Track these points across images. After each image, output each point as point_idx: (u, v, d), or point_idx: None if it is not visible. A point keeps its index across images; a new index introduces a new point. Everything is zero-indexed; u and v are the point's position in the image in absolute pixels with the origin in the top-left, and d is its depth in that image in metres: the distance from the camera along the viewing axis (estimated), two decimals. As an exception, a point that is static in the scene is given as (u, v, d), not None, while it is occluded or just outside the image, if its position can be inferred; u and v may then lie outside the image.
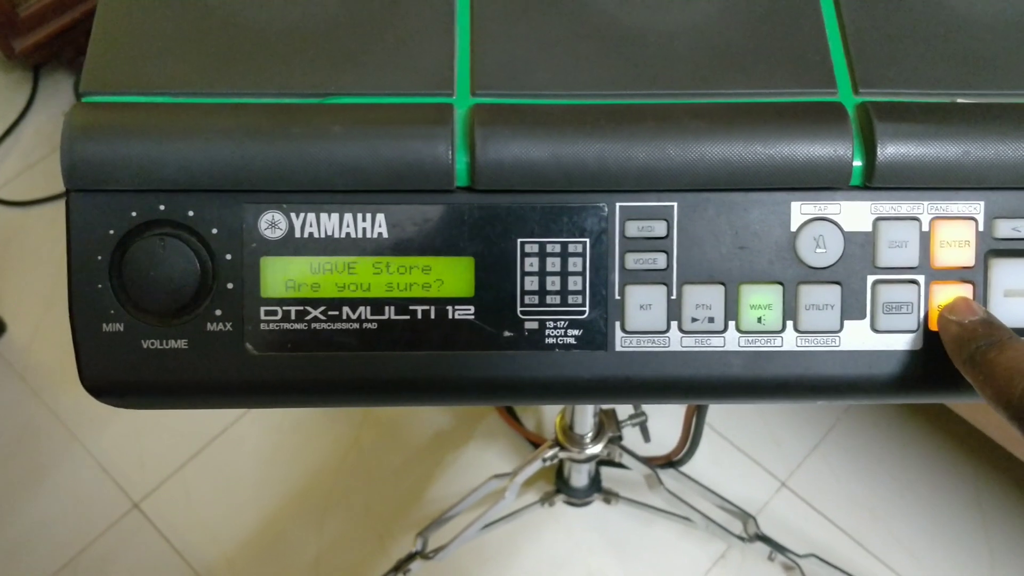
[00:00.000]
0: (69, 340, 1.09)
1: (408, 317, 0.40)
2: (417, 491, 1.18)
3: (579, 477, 1.09)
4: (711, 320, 0.40)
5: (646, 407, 1.02)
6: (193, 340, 0.40)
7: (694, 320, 0.40)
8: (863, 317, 0.41)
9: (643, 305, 0.40)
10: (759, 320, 0.40)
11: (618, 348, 0.40)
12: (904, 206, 0.40)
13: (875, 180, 0.39)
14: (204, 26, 0.41)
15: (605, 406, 0.90)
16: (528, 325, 0.40)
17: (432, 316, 0.40)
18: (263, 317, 0.40)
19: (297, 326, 0.40)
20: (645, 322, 0.40)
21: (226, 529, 1.14)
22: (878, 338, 0.41)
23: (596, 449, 0.98)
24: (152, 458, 1.19)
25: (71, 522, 1.15)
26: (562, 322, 0.40)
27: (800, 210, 0.40)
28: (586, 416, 0.96)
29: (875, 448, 1.18)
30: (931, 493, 1.15)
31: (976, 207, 0.40)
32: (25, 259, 1.34)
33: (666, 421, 1.11)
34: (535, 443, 1.15)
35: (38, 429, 1.21)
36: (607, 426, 0.99)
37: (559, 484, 1.11)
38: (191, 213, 0.39)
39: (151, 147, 0.38)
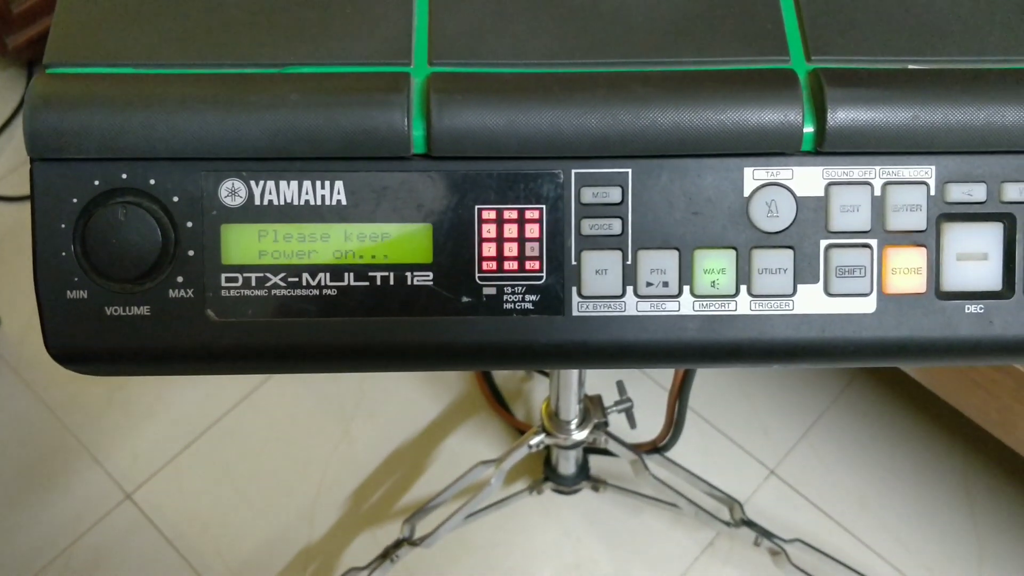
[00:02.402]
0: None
1: (367, 283, 0.41)
2: (407, 481, 1.18)
3: (566, 465, 1.10)
4: (666, 285, 0.41)
5: (631, 393, 1.02)
6: (155, 307, 0.40)
7: (649, 285, 0.41)
8: (816, 281, 0.41)
9: (599, 270, 0.41)
10: (713, 284, 0.41)
11: (575, 313, 0.41)
12: (856, 171, 0.41)
13: (826, 145, 0.40)
14: (165, 0, 0.42)
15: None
16: (486, 291, 0.41)
17: (391, 282, 0.41)
18: (224, 284, 0.41)
19: (257, 293, 0.41)
20: (601, 287, 0.41)
21: (218, 519, 1.15)
22: (831, 302, 0.41)
23: (582, 435, 0.99)
24: (144, 450, 1.20)
25: (64, 513, 1.16)
26: (519, 287, 0.41)
27: (753, 176, 0.41)
28: (571, 402, 0.96)
29: (863, 436, 1.18)
30: (919, 481, 1.15)
31: (927, 172, 0.41)
32: (19, 254, 1.35)
33: (652, 409, 1.12)
34: (524, 432, 1.16)
35: (31, 422, 1.22)
36: (593, 412, 1.00)
37: (547, 472, 1.11)
38: (152, 181, 0.40)
39: (112, 116, 0.39)
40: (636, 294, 0.41)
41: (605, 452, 1.08)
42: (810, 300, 0.41)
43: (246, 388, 1.24)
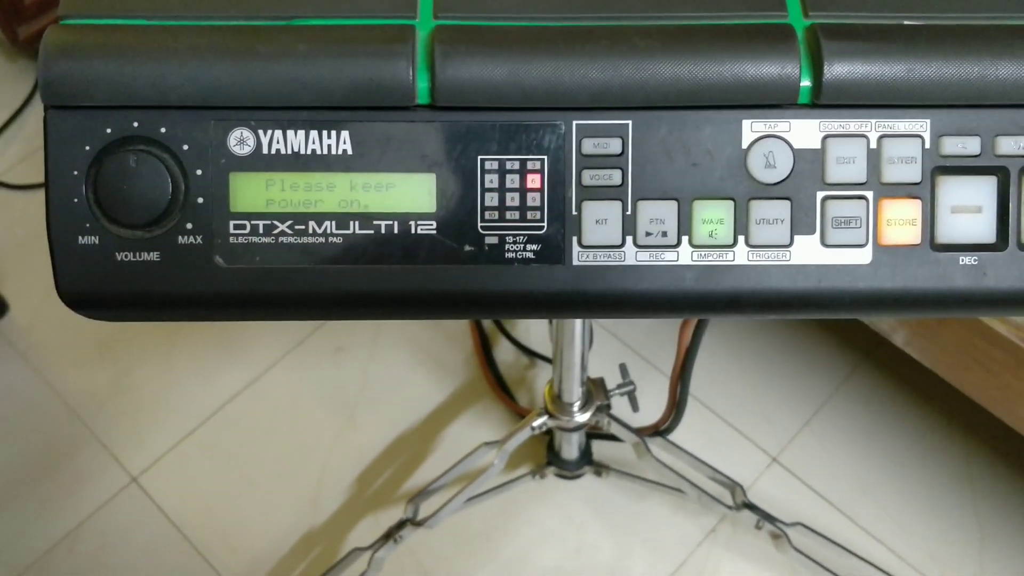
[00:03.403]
0: (70, 320, 1.11)
1: (371, 232, 0.42)
2: (410, 467, 1.19)
3: (569, 449, 1.10)
4: (664, 235, 0.42)
5: (634, 376, 1.03)
6: (165, 253, 0.41)
7: (648, 234, 0.42)
8: (813, 232, 0.42)
9: (599, 220, 0.42)
10: (711, 235, 0.42)
11: (575, 262, 0.42)
12: (852, 124, 0.42)
13: (823, 98, 0.41)
14: None
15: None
16: (488, 240, 0.42)
17: (395, 231, 0.42)
18: (232, 231, 0.41)
19: (264, 240, 0.42)
20: (601, 236, 0.42)
21: (222, 503, 1.16)
22: (828, 252, 0.42)
23: (584, 417, 0.99)
24: (150, 434, 1.21)
25: (70, 497, 1.17)
26: (521, 237, 0.42)
27: (751, 128, 0.42)
28: (574, 384, 0.97)
29: (866, 424, 1.19)
30: (922, 467, 1.15)
31: (922, 125, 0.42)
32: (28, 242, 1.36)
33: (654, 395, 1.12)
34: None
35: (39, 406, 1.23)
36: (595, 395, 1.00)
37: (550, 457, 1.12)
38: (163, 130, 0.41)
39: (124, 65, 0.40)
40: (636, 244, 0.42)
41: (608, 437, 1.09)
42: (807, 251, 0.42)
43: (252, 374, 1.25)
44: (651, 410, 1.06)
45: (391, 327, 1.28)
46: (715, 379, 1.22)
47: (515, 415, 1.21)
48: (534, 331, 1.28)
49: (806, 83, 0.41)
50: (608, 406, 1.01)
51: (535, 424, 1.00)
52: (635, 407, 1.03)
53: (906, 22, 0.42)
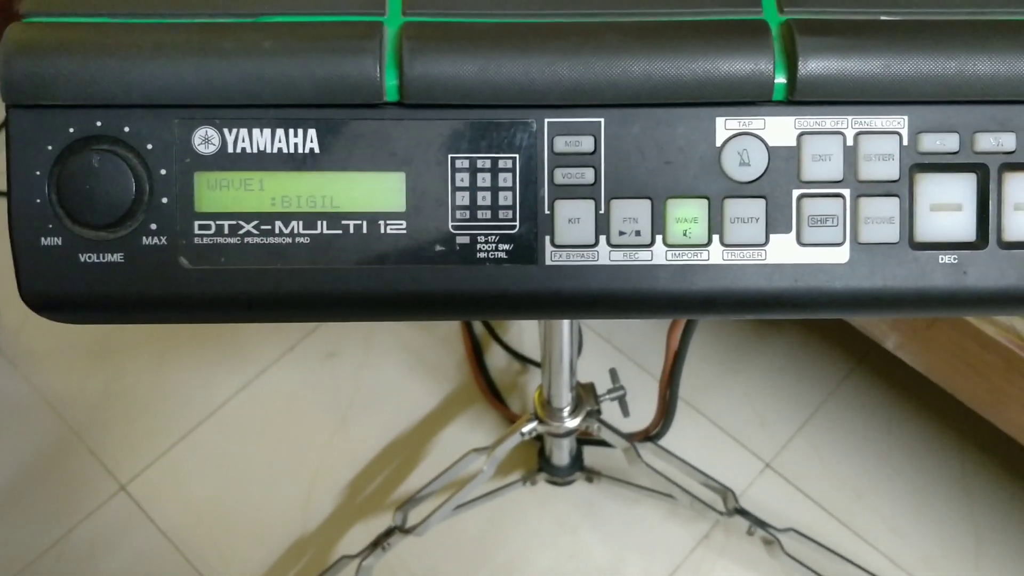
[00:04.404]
0: (59, 326, 1.11)
1: (340, 232, 0.41)
2: (402, 473, 1.18)
3: (560, 455, 1.09)
4: (638, 234, 0.41)
5: (624, 381, 1.02)
6: (129, 254, 0.41)
7: (622, 234, 0.41)
8: (789, 231, 0.41)
9: (572, 219, 0.41)
10: (685, 234, 0.41)
11: (548, 262, 0.41)
12: (828, 121, 0.41)
13: (798, 94, 0.40)
14: None
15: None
16: (460, 240, 0.41)
17: (364, 230, 0.41)
18: (196, 231, 0.41)
19: (230, 240, 0.41)
20: (574, 236, 0.41)
21: (212, 510, 1.15)
22: (804, 251, 0.41)
23: (574, 423, 0.99)
24: (140, 441, 1.20)
25: (58, 503, 1.16)
26: (493, 236, 0.41)
27: (725, 125, 0.41)
28: (564, 389, 0.96)
29: (860, 429, 1.18)
30: (917, 473, 1.14)
31: (900, 122, 0.41)
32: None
33: (644, 400, 1.12)
34: (519, 424, 1.16)
35: (27, 412, 1.22)
36: (585, 400, 1.00)
37: (541, 463, 1.11)
38: (127, 129, 0.40)
39: (87, 62, 0.39)
40: (609, 243, 0.41)
41: (599, 442, 1.08)
42: (783, 250, 0.41)
43: (243, 379, 1.24)
44: (642, 415, 1.06)
45: (383, 332, 1.28)
46: (708, 384, 1.21)
47: (507, 421, 1.20)
48: (526, 337, 1.28)
49: (780, 79, 0.40)
50: (598, 411, 1.00)
51: (525, 430, 0.99)
52: (625, 412, 1.03)
53: (883, 17, 0.41)
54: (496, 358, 1.26)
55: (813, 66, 0.40)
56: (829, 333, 1.25)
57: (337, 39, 0.39)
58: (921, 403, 1.18)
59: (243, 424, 1.21)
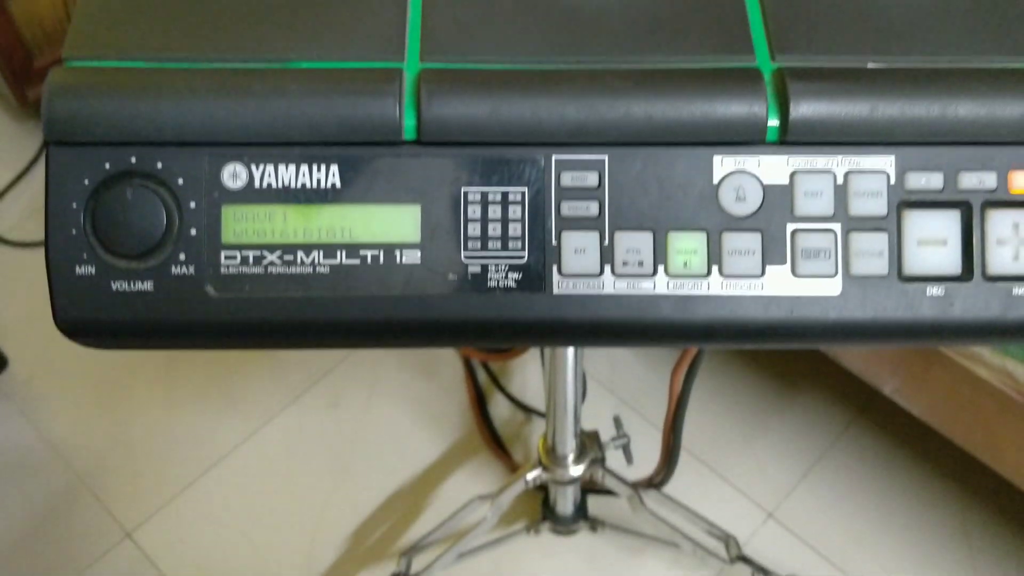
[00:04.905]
0: (69, 376, 1.12)
1: (358, 261, 0.43)
2: (405, 523, 1.19)
3: (564, 503, 1.10)
4: (641, 264, 0.43)
5: (627, 430, 1.04)
6: (159, 283, 0.43)
7: (625, 264, 0.43)
8: (784, 263, 0.43)
9: (578, 250, 0.43)
10: (685, 265, 0.43)
11: (555, 291, 0.43)
12: (819, 160, 0.43)
13: (790, 136, 0.43)
14: (175, 3, 0.45)
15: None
16: (471, 269, 0.43)
17: (381, 260, 0.43)
18: (223, 261, 0.43)
19: (255, 270, 0.43)
20: (580, 265, 0.43)
21: (217, 559, 1.16)
22: (799, 283, 0.43)
23: (579, 470, 1.00)
24: (146, 488, 1.21)
25: (65, 550, 1.17)
26: (503, 266, 0.43)
27: (721, 164, 0.43)
28: (568, 437, 0.98)
29: (862, 478, 1.19)
30: (918, 522, 1.15)
31: (887, 161, 0.44)
32: (30, 298, 1.38)
33: (649, 449, 1.13)
34: (522, 472, 1.17)
35: (34, 460, 1.24)
36: (590, 447, 1.01)
37: (545, 512, 1.12)
38: (160, 165, 0.43)
39: (124, 103, 0.42)
40: (613, 273, 0.43)
41: (603, 491, 1.09)
42: (778, 281, 0.43)
43: (248, 429, 1.25)
44: (645, 465, 1.07)
45: (386, 382, 1.29)
46: (711, 434, 1.23)
47: (511, 471, 1.21)
48: (530, 386, 1.29)
49: (773, 122, 0.43)
50: (602, 459, 1.01)
51: (529, 477, 1.00)
52: (629, 459, 1.04)
53: (869, 65, 0.44)
54: (500, 408, 1.28)
55: (803, 110, 0.42)
56: (830, 382, 1.26)
57: (360, 83, 0.42)
58: (921, 452, 1.19)
59: (248, 473, 1.22)
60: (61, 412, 1.28)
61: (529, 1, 0.46)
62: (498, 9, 0.46)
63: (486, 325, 0.43)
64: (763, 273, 0.43)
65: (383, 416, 1.26)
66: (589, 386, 1.27)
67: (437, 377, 1.29)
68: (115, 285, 0.43)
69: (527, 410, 1.27)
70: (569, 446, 0.98)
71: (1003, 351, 0.76)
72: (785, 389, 1.27)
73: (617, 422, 1.04)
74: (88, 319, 0.43)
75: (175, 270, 0.43)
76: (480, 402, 1.26)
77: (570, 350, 0.82)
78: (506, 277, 0.43)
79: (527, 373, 1.30)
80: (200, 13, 0.45)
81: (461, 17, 0.45)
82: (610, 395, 1.27)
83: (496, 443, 1.23)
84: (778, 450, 1.22)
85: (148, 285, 0.43)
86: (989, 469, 0.91)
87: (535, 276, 0.43)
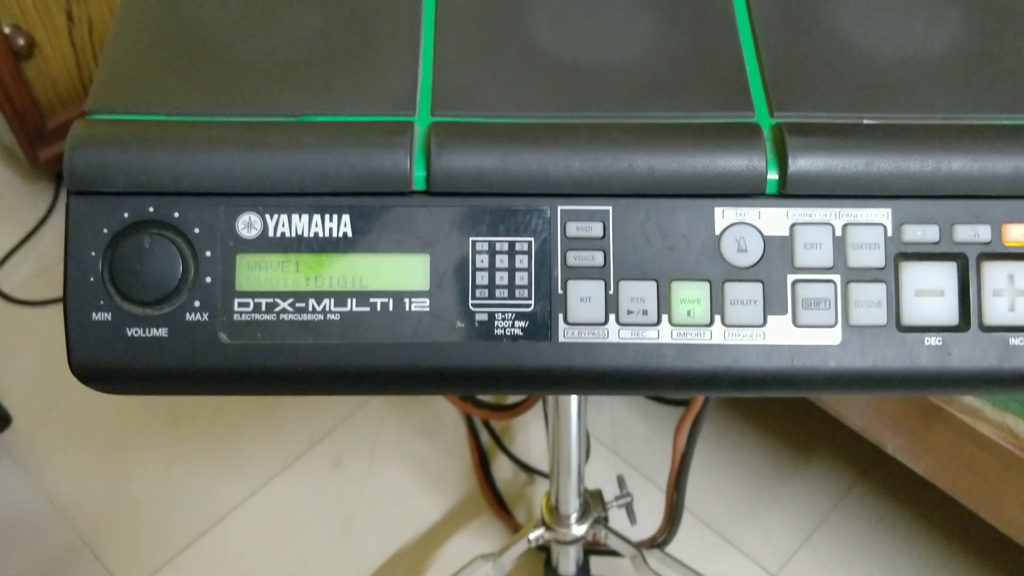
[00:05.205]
0: (71, 434, 1.13)
1: (368, 309, 0.44)
2: (407, 583, 1.18)
3: (567, 564, 1.09)
4: (645, 313, 0.44)
5: (632, 487, 1.03)
6: (173, 329, 0.44)
7: (630, 312, 0.44)
8: (785, 312, 0.44)
9: (583, 298, 0.44)
10: (689, 314, 0.44)
11: (561, 339, 0.44)
12: (817, 213, 0.45)
13: (789, 189, 0.44)
14: (195, 59, 0.47)
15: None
16: (479, 317, 0.44)
17: (390, 308, 0.44)
18: (236, 308, 0.44)
19: (267, 317, 0.44)
20: (586, 314, 0.44)
21: (215, 620, 1.15)
22: (800, 332, 0.44)
23: (582, 529, 0.99)
24: (146, 547, 1.20)
25: (61, 611, 1.16)
26: (510, 314, 0.44)
27: (723, 216, 0.45)
28: (571, 496, 0.98)
29: (866, 540, 1.18)
30: (922, 586, 1.14)
31: (884, 214, 0.45)
32: (35, 356, 1.39)
33: (653, 510, 1.13)
34: (525, 533, 1.16)
35: (35, 518, 1.23)
36: (593, 506, 1.01)
37: (547, 572, 1.11)
38: (176, 214, 0.44)
39: (143, 155, 0.43)
40: (618, 322, 0.44)
41: (606, 552, 1.08)
42: (780, 331, 0.44)
43: (250, 488, 1.25)
44: (648, 526, 1.06)
45: (389, 442, 1.29)
46: (714, 495, 1.22)
47: (514, 532, 1.20)
48: (533, 447, 1.29)
49: (773, 176, 0.44)
50: (606, 518, 1.01)
51: (532, 536, 1.00)
52: (632, 519, 1.03)
53: (866, 121, 0.46)
54: (503, 469, 1.27)
55: (802, 164, 0.44)
56: (832, 443, 1.26)
57: (373, 135, 0.44)
58: (925, 512, 1.19)
59: (249, 533, 1.21)
60: (63, 470, 1.27)
61: (536, 59, 0.48)
62: (507, 66, 0.47)
63: (493, 373, 0.44)
64: (765, 323, 0.44)
65: (385, 476, 1.26)
66: (593, 446, 1.27)
67: (440, 437, 1.29)
68: (130, 331, 0.44)
69: (530, 471, 1.26)
70: (572, 505, 0.98)
71: (1003, 407, 0.77)
72: (789, 450, 1.27)
73: (620, 481, 1.04)
74: (103, 365, 0.44)
75: (189, 317, 0.44)
76: (483, 462, 1.26)
77: (574, 407, 0.83)
78: (513, 325, 0.44)
79: (530, 433, 1.30)
80: (218, 70, 0.47)
81: (471, 74, 0.47)
82: (613, 455, 1.27)
83: (499, 504, 1.23)
84: (782, 511, 1.21)
85: (163, 331, 0.44)
86: (993, 528, 0.91)
87: (541, 324, 0.44)
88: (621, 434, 1.29)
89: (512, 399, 1.21)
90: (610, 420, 1.30)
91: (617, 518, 1.02)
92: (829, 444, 1.26)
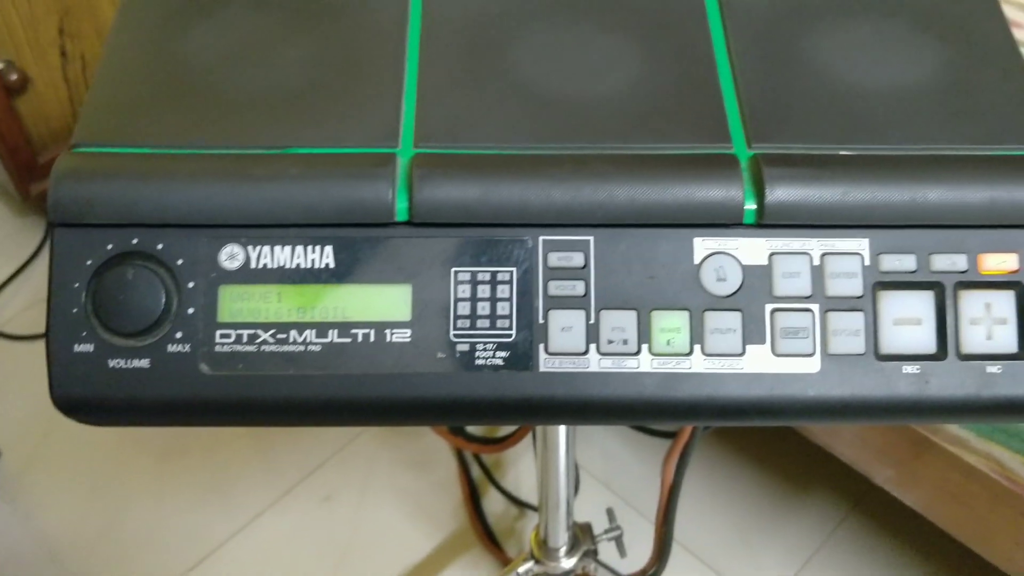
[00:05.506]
0: (61, 469, 1.13)
1: (349, 340, 0.44)
2: (397, 619, 1.17)
3: (557, 598, 1.09)
4: (625, 343, 0.44)
5: (620, 524, 1.03)
6: (155, 360, 0.44)
7: (610, 342, 0.44)
8: (764, 342, 0.45)
9: (564, 328, 0.44)
10: (668, 343, 0.44)
11: (542, 368, 0.44)
12: (795, 242, 0.45)
13: (766, 219, 0.44)
14: (181, 92, 0.48)
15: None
16: (460, 347, 0.44)
17: (372, 339, 0.44)
18: (218, 340, 0.44)
19: (249, 348, 0.44)
20: (566, 344, 0.44)
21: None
22: (779, 361, 0.45)
23: (571, 563, 0.99)
24: (135, 583, 1.19)
25: (48, 650, 1.15)
26: (491, 344, 0.44)
27: (702, 245, 0.45)
28: (560, 528, 0.97)
29: (858, 572, 1.18)
30: (915, 620, 1.13)
31: (862, 244, 0.45)
32: (25, 391, 1.38)
33: (642, 544, 1.12)
34: (515, 567, 1.15)
35: (25, 555, 1.22)
36: (582, 540, 1.00)
37: (537, 607, 1.10)
38: (160, 246, 0.44)
39: (127, 187, 0.44)
40: (599, 351, 0.44)
41: (595, 585, 1.08)
42: (759, 359, 0.45)
43: (240, 522, 1.24)
44: (638, 558, 1.06)
45: (380, 476, 1.29)
46: (705, 528, 1.22)
47: (504, 566, 1.20)
48: (524, 481, 1.29)
49: (751, 206, 0.45)
50: (595, 551, 1.00)
51: (521, 570, 0.99)
52: (622, 552, 1.03)
53: (842, 152, 0.46)
54: (493, 503, 1.27)
55: (779, 194, 0.44)
56: (823, 476, 1.26)
57: (355, 167, 0.44)
58: (917, 545, 1.18)
59: (239, 567, 1.20)
60: (52, 505, 1.27)
61: (519, 92, 0.48)
62: (490, 99, 0.48)
63: (474, 403, 0.44)
64: (744, 352, 0.45)
65: (376, 510, 1.26)
66: (583, 479, 1.26)
67: (431, 471, 1.29)
68: (112, 362, 0.44)
69: (521, 505, 1.26)
70: (561, 538, 0.98)
71: (988, 436, 0.77)
72: (781, 482, 1.26)
73: (610, 514, 1.04)
74: (84, 396, 0.44)
75: (171, 348, 0.44)
76: (474, 497, 1.25)
77: (562, 439, 0.83)
78: (494, 355, 0.44)
79: (520, 468, 1.30)
80: (203, 103, 0.47)
81: (454, 106, 0.48)
82: (604, 488, 1.27)
83: (489, 538, 1.22)
84: (774, 543, 1.21)
85: (144, 362, 0.44)
86: (985, 561, 0.91)
87: (522, 354, 0.44)
88: (612, 467, 1.29)
89: (503, 432, 1.21)
90: (602, 453, 1.30)
91: (607, 551, 1.02)
92: (821, 476, 1.26)
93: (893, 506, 1.01)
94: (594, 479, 1.28)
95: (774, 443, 1.29)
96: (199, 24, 0.51)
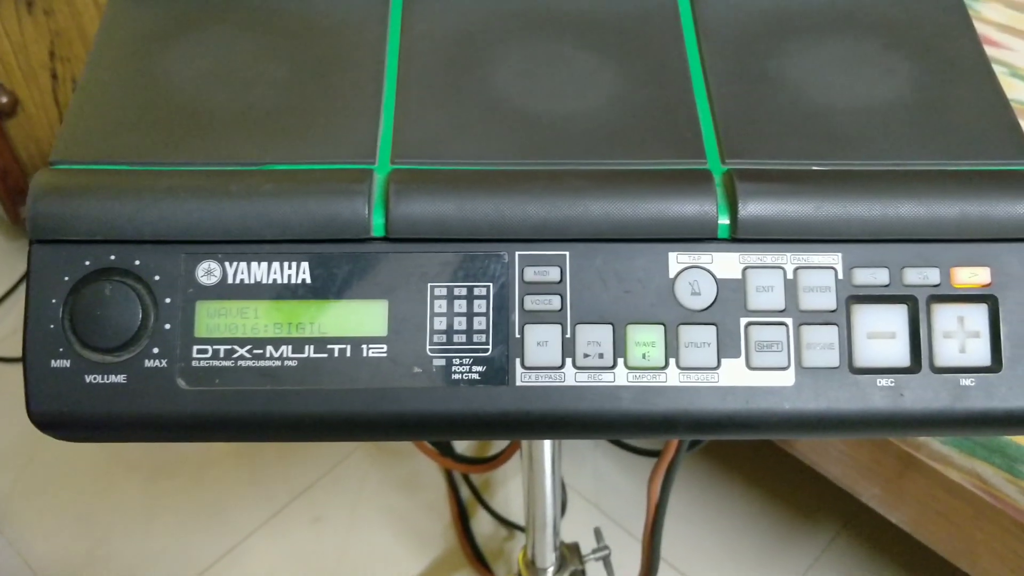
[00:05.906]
0: (48, 492, 1.12)
1: (326, 355, 0.44)
2: (386, 641, 1.16)
3: (545, 619, 1.08)
4: (601, 356, 0.45)
5: (608, 543, 1.03)
6: (131, 375, 0.44)
7: (586, 356, 0.45)
8: (738, 355, 0.45)
9: (540, 342, 0.45)
10: (644, 357, 0.45)
11: (518, 383, 0.44)
12: (769, 256, 0.45)
13: (740, 233, 0.45)
14: (159, 109, 0.48)
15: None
16: (436, 362, 0.45)
17: (348, 354, 0.44)
18: (195, 355, 0.44)
19: (225, 363, 0.44)
20: (543, 358, 0.45)
21: None
22: (753, 375, 0.45)
23: (559, 583, 0.99)
24: (120, 607, 1.19)
25: (33, 674, 1.14)
26: (467, 359, 0.45)
27: (677, 259, 0.45)
28: (547, 549, 0.97)
29: (847, 594, 1.17)
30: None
31: (835, 258, 0.46)
32: (13, 413, 1.38)
33: (631, 563, 1.12)
34: (504, 588, 1.15)
35: (9, 578, 1.21)
36: (570, 560, 1.00)
37: (526, 628, 1.10)
38: (137, 262, 0.44)
39: (105, 203, 0.44)
40: (575, 365, 0.45)
41: (584, 606, 1.07)
42: (734, 373, 0.45)
43: (229, 543, 1.24)
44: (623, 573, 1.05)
45: (369, 497, 1.28)
46: (695, 547, 1.21)
47: (492, 586, 1.19)
48: (513, 502, 1.28)
49: (724, 221, 0.45)
50: (583, 571, 1.00)
51: (509, 590, 0.99)
52: (610, 572, 1.02)
53: (815, 167, 0.47)
54: (483, 524, 1.26)
55: (752, 209, 0.45)
56: (814, 496, 1.26)
57: (332, 183, 0.44)
58: (908, 562, 1.18)
59: (227, 590, 1.20)
60: (38, 528, 1.26)
61: (495, 108, 0.49)
62: (467, 115, 0.48)
63: (450, 418, 0.44)
64: (719, 365, 0.45)
65: (366, 531, 1.25)
66: (572, 499, 1.26)
67: (420, 493, 1.29)
68: (89, 378, 0.44)
69: (509, 525, 1.26)
70: (549, 559, 0.97)
71: (970, 452, 0.77)
72: (770, 502, 1.26)
73: (598, 534, 1.03)
74: (61, 412, 0.44)
75: (148, 363, 0.44)
76: (463, 518, 1.25)
77: (547, 457, 0.83)
78: (470, 370, 0.44)
79: (509, 488, 1.30)
80: (182, 120, 0.48)
81: (432, 122, 0.48)
82: (593, 508, 1.27)
83: (478, 559, 1.22)
84: (764, 564, 1.20)
85: (121, 378, 0.44)
86: (965, 571, 0.91)
87: (499, 369, 0.44)
88: (601, 487, 1.28)
89: (493, 451, 1.21)
90: (591, 473, 1.30)
91: (595, 571, 1.01)
92: (811, 495, 1.26)
93: (883, 525, 1.01)
94: (583, 499, 1.27)
95: (764, 462, 1.29)
96: (179, 42, 0.52)
